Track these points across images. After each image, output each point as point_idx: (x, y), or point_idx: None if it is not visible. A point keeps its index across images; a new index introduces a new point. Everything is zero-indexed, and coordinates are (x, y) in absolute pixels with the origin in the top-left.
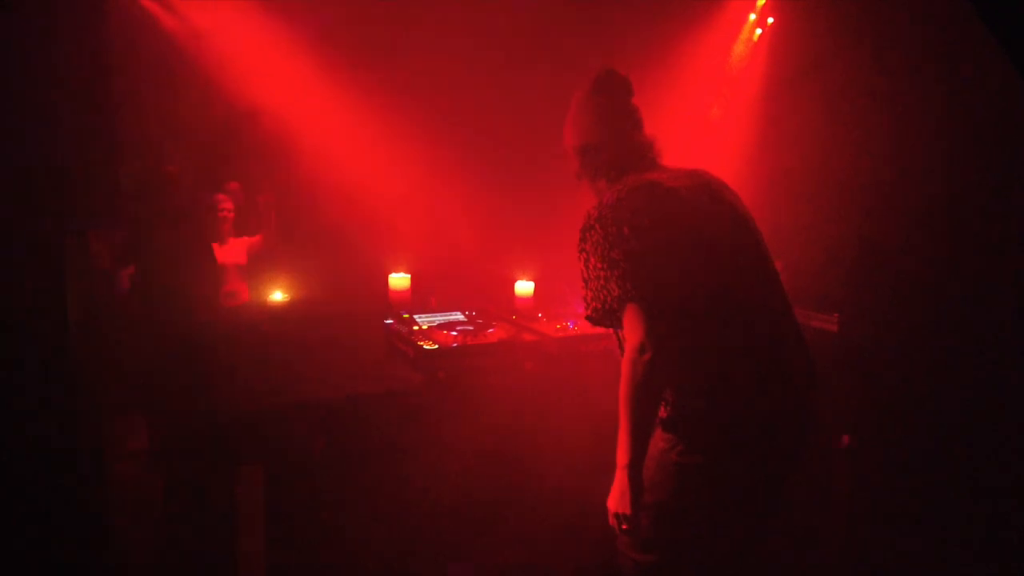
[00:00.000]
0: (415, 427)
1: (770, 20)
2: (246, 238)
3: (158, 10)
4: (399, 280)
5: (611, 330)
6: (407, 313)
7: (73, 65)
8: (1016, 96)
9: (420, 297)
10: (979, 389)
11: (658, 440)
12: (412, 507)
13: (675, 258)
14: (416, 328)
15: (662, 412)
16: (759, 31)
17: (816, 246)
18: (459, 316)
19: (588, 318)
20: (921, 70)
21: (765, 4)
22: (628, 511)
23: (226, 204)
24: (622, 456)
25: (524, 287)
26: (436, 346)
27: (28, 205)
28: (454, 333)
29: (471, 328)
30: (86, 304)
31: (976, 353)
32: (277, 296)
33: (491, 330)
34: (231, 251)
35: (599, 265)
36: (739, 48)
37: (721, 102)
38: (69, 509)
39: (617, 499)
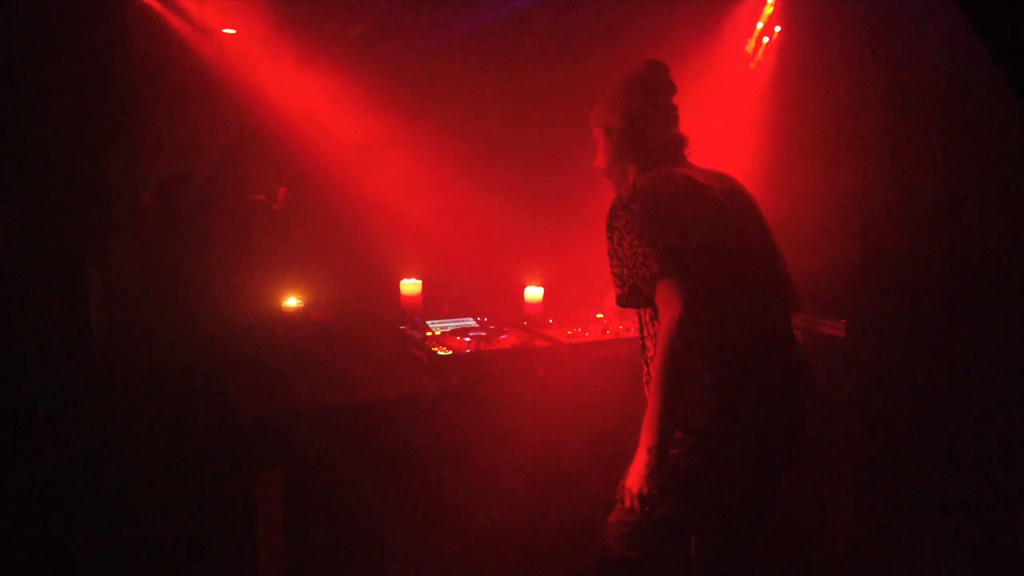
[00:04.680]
0: (431, 432)
1: (777, 29)
2: None
3: (176, 20)
4: (411, 286)
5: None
6: (419, 319)
7: (96, 77)
8: (1016, 101)
9: (432, 302)
10: (989, 393)
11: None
12: (428, 511)
13: (708, 245)
14: (429, 334)
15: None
16: (767, 39)
17: (824, 251)
18: (471, 322)
19: (619, 299)
20: (929, 78)
21: (772, 12)
22: (649, 491)
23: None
24: (649, 436)
25: (534, 293)
26: (450, 352)
27: (52, 212)
28: (467, 339)
29: (484, 334)
30: (109, 308)
31: (986, 357)
32: (291, 302)
33: (504, 336)
34: None
35: (636, 242)
36: (746, 57)
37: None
38: (90, 511)
39: (639, 479)
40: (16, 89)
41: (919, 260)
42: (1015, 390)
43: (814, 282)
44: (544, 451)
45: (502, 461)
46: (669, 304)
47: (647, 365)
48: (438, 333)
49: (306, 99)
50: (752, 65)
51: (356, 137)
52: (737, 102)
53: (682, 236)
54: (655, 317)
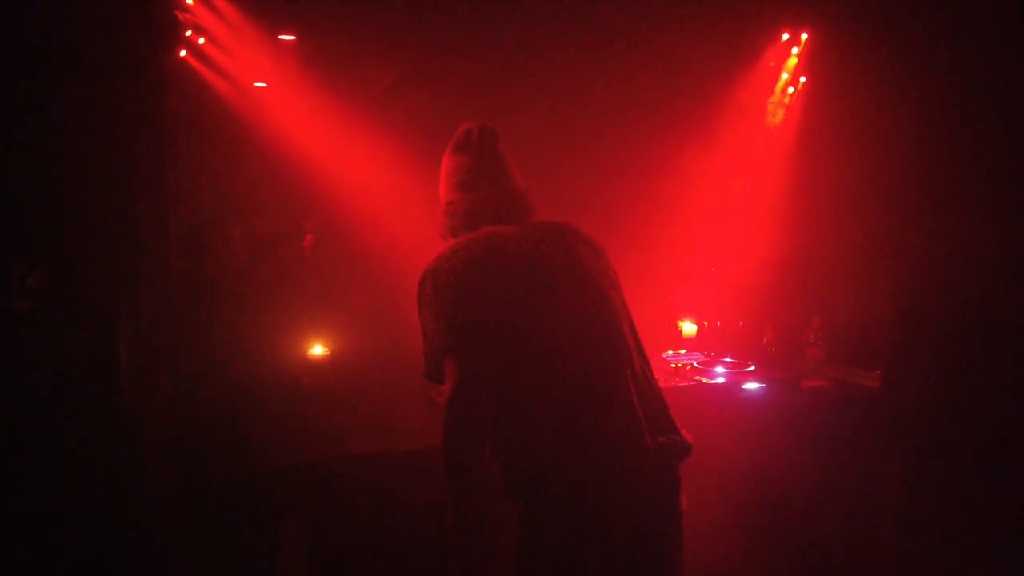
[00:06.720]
0: None
1: (802, 79)
2: None
3: (211, 74)
4: None
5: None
6: None
7: (132, 130)
8: None
9: None
10: None
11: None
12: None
13: (497, 314)
14: None
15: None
16: (792, 90)
17: (855, 302)
18: None
19: (426, 375)
20: (963, 125)
21: (797, 64)
22: None
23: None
24: (454, 542)
25: None
26: None
27: (87, 261)
28: None
29: None
30: (138, 357)
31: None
32: (317, 350)
33: None
34: None
35: (430, 317)
36: (772, 108)
37: (743, 180)
38: (113, 562)
39: None
40: (53, 140)
41: (953, 308)
42: None
43: (846, 333)
44: None
45: None
46: (448, 384)
47: None
48: None
49: (338, 150)
50: (776, 119)
51: (387, 187)
52: (762, 151)
53: (469, 312)
54: None
